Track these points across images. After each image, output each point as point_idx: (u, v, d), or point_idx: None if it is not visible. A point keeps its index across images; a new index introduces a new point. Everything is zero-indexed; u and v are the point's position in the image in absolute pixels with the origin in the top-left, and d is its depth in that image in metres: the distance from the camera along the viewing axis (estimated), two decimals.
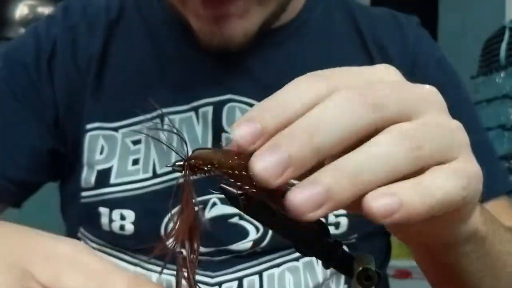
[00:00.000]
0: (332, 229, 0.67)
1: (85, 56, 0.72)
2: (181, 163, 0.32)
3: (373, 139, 0.30)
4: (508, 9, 2.54)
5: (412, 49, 0.73)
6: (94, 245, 0.72)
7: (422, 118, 0.32)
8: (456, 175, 0.31)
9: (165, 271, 0.70)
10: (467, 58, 2.30)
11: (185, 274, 0.32)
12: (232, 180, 0.31)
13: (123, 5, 0.75)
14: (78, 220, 0.73)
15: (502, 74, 2.21)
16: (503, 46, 2.24)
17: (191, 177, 0.31)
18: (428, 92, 0.33)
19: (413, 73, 0.71)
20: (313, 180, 0.29)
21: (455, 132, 0.33)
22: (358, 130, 0.30)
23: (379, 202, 0.28)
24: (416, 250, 0.46)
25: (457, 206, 0.31)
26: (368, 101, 0.30)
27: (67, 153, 0.72)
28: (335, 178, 0.29)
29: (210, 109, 0.68)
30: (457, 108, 0.72)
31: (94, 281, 0.29)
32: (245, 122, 0.30)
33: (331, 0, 0.76)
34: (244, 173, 0.30)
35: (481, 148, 0.70)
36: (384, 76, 0.33)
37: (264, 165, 0.29)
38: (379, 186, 0.29)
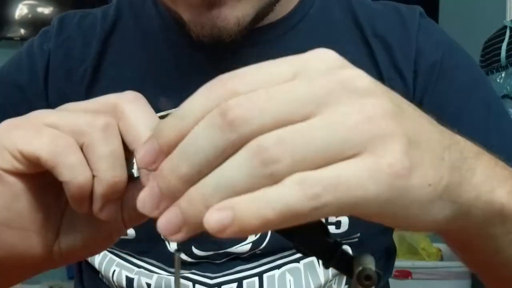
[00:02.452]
0: (333, 229, 0.67)
1: (79, 69, 0.72)
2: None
3: (226, 162, 0.29)
4: (508, 9, 2.54)
5: (415, 39, 0.72)
6: None
7: (320, 114, 0.30)
8: (301, 185, 0.28)
9: (165, 272, 0.70)
10: None
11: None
12: None
13: (119, 14, 0.74)
14: None
15: (502, 74, 2.21)
16: (504, 46, 2.24)
17: None
18: (343, 79, 0.30)
19: (417, 62, 0.70)
20: (174, 205, 0.30)
21: (351, 128, 0.29)
22: (217, 152, 0.29)
23: (212, 218, 0.28)
24: (446, 240, 0.44)
25: (309, 216, 0.29)
26: (226, 121, 0.29)
27: None
28: (187, 201, 0.30)
29: None
30: (469, 88, 0.72)
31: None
32: (147, 144, 0.32)
33: None
34: None
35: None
36: (311, 63, 0.32)
37: (142, 200, 0.31)
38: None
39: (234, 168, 0.29)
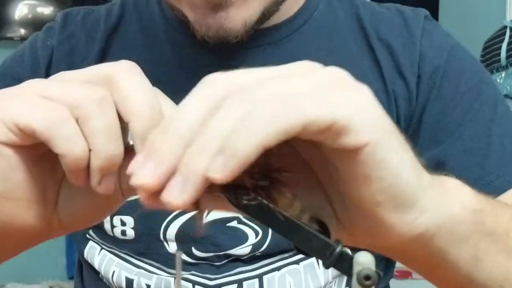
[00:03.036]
0: None
1: (82, 65, 0.71)
2: None
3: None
4: (508, 9, 2.54)
5: (419, 43, 0.71)
6: (104, 247, 0.72)
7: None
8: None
9: (164, 273, 0.70)
10: None
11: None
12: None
13: (123, 12, 0.74)
14: None
15: (502, 74, 2.21)
16: (504, 46, 2.24)
17: None
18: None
19: (421, 67, 0.70)
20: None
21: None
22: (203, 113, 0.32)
23: (214, 163, 0.31)
24: (410, 266, 0.43)
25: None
26: (206, 84, 0.33)
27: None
28: (187, 159, 0.31)
29: None
30: (474, 91, 0.71)
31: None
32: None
33: None
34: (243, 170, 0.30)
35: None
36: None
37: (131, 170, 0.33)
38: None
39: (221, 119, 0.31)
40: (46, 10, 2.99)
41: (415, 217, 0.36)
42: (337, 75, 0.33)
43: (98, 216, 0.43)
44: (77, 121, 0.36)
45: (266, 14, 0.64)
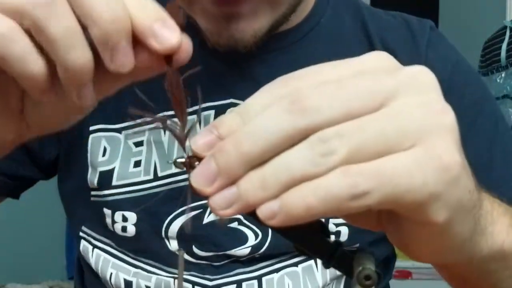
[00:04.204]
0: (332, 239, 0.67)
1: None
2: (183, 160, 0.32)
3: (288, 151, 0.30)
4: (508, 9, 2.53)
5: (424, 54, 0.72)
6: (98, 243, 0.72)
7: (384, 108, 0.31)
8: (344, 173, 0.29)
9: (164, 273, 0.70)
10: (467, 58, 2.29)
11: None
12: None
13: None
14: (82, 218, 0.74)
15: (502, 74, 2.20)
16: (504, 46, 2.24)
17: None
18: (410, 75, 0.32)
19: None
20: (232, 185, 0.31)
21: (414, 121, 0.30)
22: (283, 137, 0.30)
23: (265, 204, 0.30)
24: (442, 273, 0.45)
25: (352, 205, 0.30)
26: (297, 107, 0.30)
27: (60, 153, 0.73)
28: (248, 183, 0.30)
29: (212, 112, 0.68)
30: (477, 106, 0.72)
31: None
32: (204, 132, 0.32)
33: (340, 3, 0.75)
34: None
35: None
36: (371, 63, 0.33)
37: (196, 176, 0.31)
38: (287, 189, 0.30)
39: (295, 158, 0.30)
40: None
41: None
42: (424, 91, 0.32)
43: (71, 118, 0.39)
44: (28, 32, 0.32)
45: (275, 26, 0.65)
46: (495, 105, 0.76)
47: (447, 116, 0.31)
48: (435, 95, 0.32)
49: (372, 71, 0.32)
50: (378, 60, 0.33)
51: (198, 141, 0.31)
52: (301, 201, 0.29)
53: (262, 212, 0.30)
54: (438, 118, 0.31)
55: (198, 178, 0.31)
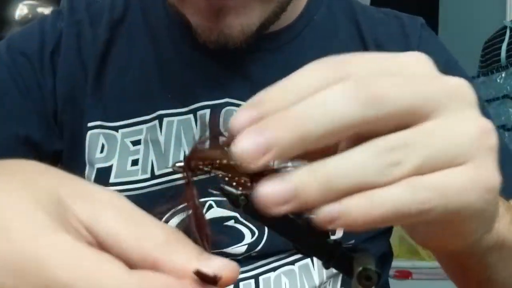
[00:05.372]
0: None
1: (89, 52, 0.72)
2: (181, 164, 0.32)
3: (352, 149, 0.29)
4: (509, 9, 2.54)
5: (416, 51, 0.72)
6: None
7: (436, 118, 0.31)
8: (414, 188, 0.29)
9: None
10: (467, 58, 2.30)
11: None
12: (232, 179, 0.31)
13: (128, 6, 0.75)
14: None
15: (502, 74, 2.21)
16: (504, 46, 2.24)
17: (192, 178, 0.32)
18: (454, 86, 0.32)
19: None
20: (286, 177, 0.29)
21: (468, 137, 0.31)
22: (348, 125, 0.29)
23: (324, 207, 0.29)
24: (439, 258, 0.46)
25: (414, 218, 0.30)
26: (366, 95, 0.29)
27: (63, 149, 0.73)
28: (305, 180, 0.29)
29: (207, 112, 0.68)
30: None
31: (134, 226, 0.29)
32: (245, 109, 0.30)
33: (333, 2, 0.75)
34: (244, 172, 0.30)
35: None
36: (411, 66, 0.32)
37: (245, 144, 0.28)
38: (347, 194, 0.29)
39: (361, 164, 0.29)
40: (46, 10, 2.99)
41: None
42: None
43: None
44: None
45: (265, 24, 0.65)
46: (486, 109, 0.75)
47: (493, 136, 0.32)
48: (477, 110, 0.32)
49: (418, 74, 0.32)
50: (417, 63, 0.33)
51: (240, 116, 0.29)
52: (363, 211, 0.29)
53: (320, 215, 0.29)
54: (486, 136, 0.31)
55: (247, 148, 0.28)
